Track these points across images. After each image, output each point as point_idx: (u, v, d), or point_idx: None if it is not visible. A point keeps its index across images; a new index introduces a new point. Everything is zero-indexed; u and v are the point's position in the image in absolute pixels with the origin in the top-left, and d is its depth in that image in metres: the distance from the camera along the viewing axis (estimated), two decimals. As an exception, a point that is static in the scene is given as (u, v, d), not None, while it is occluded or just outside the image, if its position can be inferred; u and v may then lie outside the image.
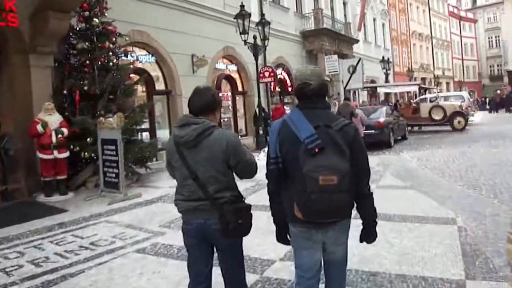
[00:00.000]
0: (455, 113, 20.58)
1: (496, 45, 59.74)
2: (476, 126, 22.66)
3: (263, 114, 16.71)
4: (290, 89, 21.72)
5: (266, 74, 18.58)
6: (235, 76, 18.80)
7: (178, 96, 14.44)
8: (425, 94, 24.76)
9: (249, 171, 2.79)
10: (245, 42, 14.01)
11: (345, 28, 27.15)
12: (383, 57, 29.83)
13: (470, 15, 62.92)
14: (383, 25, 38.59)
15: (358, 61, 19.73)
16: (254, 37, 14.13)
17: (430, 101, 23.09)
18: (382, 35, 37.98)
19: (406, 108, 22.48)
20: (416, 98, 25.28)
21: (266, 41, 14.76)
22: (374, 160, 11.39)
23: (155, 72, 14.33)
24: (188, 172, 2.67)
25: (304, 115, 2.42)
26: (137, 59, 13.50)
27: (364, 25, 32.97)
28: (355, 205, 2.47)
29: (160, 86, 14.44)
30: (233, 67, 18.54)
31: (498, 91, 47.78)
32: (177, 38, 14.43)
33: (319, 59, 23.01)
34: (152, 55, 13.97)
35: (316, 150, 2.24)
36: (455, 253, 4.46)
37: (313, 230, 2.44)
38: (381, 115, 15.47)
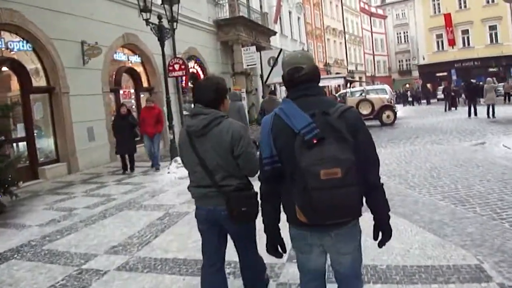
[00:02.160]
0: (384, 107, 19.67)
1: (404, 41, 61.58)
2: (402, 120, 21.97)
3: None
4: (204, 84, 19.37)
5: (176, 66, 16.18)
6: (139, 69, 16.19)
7: (64, 95, 11.59)
8: (350, 87, 23.52)
9: (252, 165, 2.73)
10: (147, 21, 11.13)
11: (262, 18, 25.35)
12: (303, 49, 28.17)
13: (380, 11, 64.46)
14: (298, 18, 37.79)
15: (279, 52, 17.86)
16: (159, 17, 11.44)
17: (351, 94, 21.91)
18: (298, 29, 37.17)
19: (331, 103, 21.02)
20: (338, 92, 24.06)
21: (175, 24, 12.07)
22: None
23: (32, 64, 11.32)
24: (198, 159, 2.75)
25: (297, 104, 2.15)
26: (7, 47, 10.49)
27: (280, 18, 31.52)
28: (364, 200, 2.19)
29: (40, 82, 11.45)
30: (136, 59, 15.89)
31: (407, 85, 49.52)
32: (61, 20, 11.57)
33: (236, 51, 20.95)
34: (27, 42, 10.97)
35: (314, 140, 1.96)
36: None
37: (308, 233, 2.22)
38: None
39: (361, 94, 21.88)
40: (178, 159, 10.08)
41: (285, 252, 2.43)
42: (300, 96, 2.19)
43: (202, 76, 19.61)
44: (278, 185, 2.26)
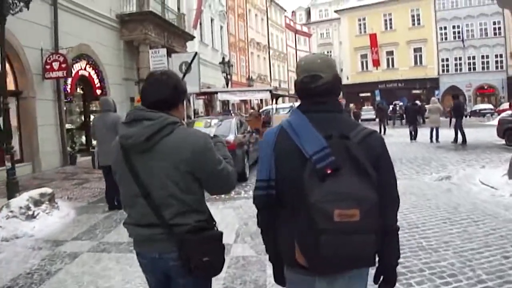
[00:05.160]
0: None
1: (328, 60, 61.32)
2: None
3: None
4: (98, 91, 15.46)
5: (56, 65, 12.41)
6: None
7: None
8: (276, 103, 20.66)
9: (224, 185, 2.14)
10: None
11: (179, 20, 21.90)
12: (223, 59, 25.12)
13: (305, 29, 64.31)
14: (221, 27, 34.87)
15: (194, 56, 14.46)
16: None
17: (276, 110, 19.17)
18: (220, 38, 34.18)
19: (255, 120, 18.00)
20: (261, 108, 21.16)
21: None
22: (227, 218, 6.53)
23: None
24: (138, 187, 2.01)
25: (310, 120, 1.79)
26: None
27: (201, 24, 28.28)
28: None
29: None
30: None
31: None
32: None
33: (142, 52, 17.23)
34: None
35: (329, 171, 1.61)
36: None
37: (315, 278, 1.82)
38: (230, 130, 10.26)
39: (289, 111, 19.16)
40: (13, 202, 6.32)
41: None
42: (314, 111, 1.84)
43: (96, 81, 15.70)
44: (273, 215, 1.89)
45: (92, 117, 14.70)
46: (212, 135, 2.39)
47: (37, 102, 12.28)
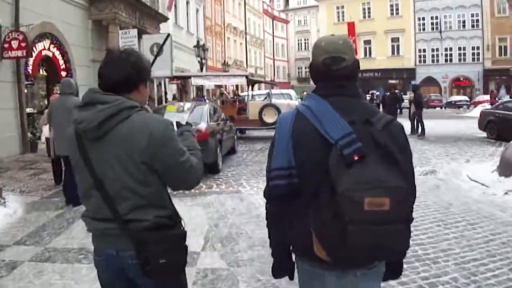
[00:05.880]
0: (294, 114, 16.09)
1: (305, 48, 60.98)
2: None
3: None
4: (63, 73, 14.43)
5: (15, 44, 11.41)
6: None
7: None
8: (252, 89, 19.86)
9: (186, 179, 1.93)
10: None
11: (152, 0, 20.80)
12: (198, 42, 24.11)
13: (283, 15, 63.36)
14: (197, 10, 33.72)
15: (166, 38, 13.50)
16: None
17: (252, 97, 18.52)
18: (195, 22, 33.03)
19: (230, 107, 17.19)
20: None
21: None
22: (195, 218, 5.78)
23: None
24: (92, 177, 1.83)
25: (331, 105, 1.67)
26: None
27: (176, 6, 27.19)
28: None
29: None
30: None
31: (305, 92, 48.01)
32: None
33: (112, 33, 16.11)
34: None
35: (356, 157, 1.52)
36: None
37: (325, 272, 1.70)
38: (202, 118, 9.49)
39: (265, 98, 18.44)
40: None
41: (292, 279, 1.94)
42: (336, 94, 1.73)
43: (61, 62, 14.65)
44: (288, 206, 1.74)
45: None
46: (184, 122, 2.22)
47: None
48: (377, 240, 1.49)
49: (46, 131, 8.33)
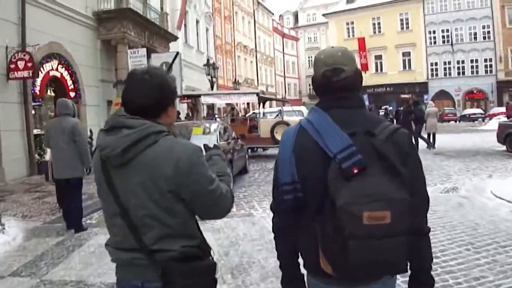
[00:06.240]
0: (306, 131, 15.84)
1: (316, 64, 60.98)
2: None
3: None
4: (72, 94, 14.28)
5: (21, 64, 11.30)
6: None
7: None
8: (263, 107, 19.62)
9: (215, 209, 1.82)
10: None
11: (161, 19, 20.78)
12: (208, 61, 23.97)
13: (292, 33, 63.62)
14: (207, 29, 33.85)
15: (176, 56, 13.40)
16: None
17: (263, 115, 18.22)
18: (205, 40, 33.14)
19: (241, 125, 16.92)
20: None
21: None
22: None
23: None
24: (116, 204, 1.73)
25: (332, 117, 1.67)
26: None
27: (185, 25, 27.22)
28: None
29: None
30: None
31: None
32: None
33: (120, 52, 16.06)
34: None
35: (355, 170, 1.51)
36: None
37: (334, 287, 1.66)
38: (211, 137, 9.18)
39: (277, 116, 18.15)
40: None
41: None
42: (336, 106, 1.72)
43: (69, 83, 14.52)
44: (294, 220, 1.74)
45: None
46: (212, 144, 2.14)
47: (0, 105, 11.10)
48: (378, 255, 1.47)
49: (48, 153, 8.10)
